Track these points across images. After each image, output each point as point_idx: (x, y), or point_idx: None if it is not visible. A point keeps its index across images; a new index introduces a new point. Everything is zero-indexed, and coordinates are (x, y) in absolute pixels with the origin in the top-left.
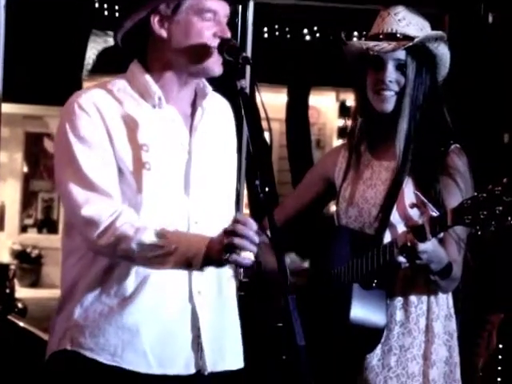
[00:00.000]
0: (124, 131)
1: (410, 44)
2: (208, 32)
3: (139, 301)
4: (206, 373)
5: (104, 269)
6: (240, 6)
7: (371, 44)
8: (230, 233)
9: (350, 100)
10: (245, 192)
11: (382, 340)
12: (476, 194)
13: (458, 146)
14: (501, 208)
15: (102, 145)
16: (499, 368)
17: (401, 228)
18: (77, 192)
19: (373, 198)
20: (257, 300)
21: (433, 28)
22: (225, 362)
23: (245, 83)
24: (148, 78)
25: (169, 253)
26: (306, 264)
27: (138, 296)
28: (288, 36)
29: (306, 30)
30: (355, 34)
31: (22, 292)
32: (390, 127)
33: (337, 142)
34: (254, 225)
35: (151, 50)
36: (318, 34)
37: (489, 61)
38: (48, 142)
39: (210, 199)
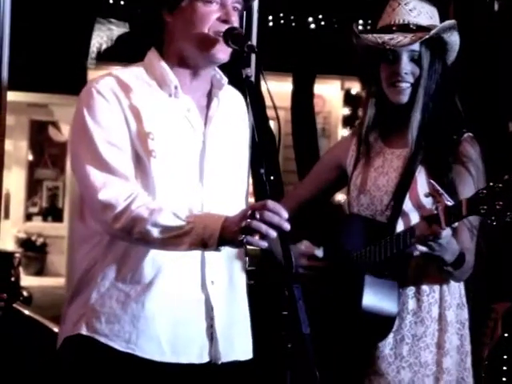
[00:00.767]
0: (139, 118)
1: (427, 37)
2: (212, 16)
3: (155, 289)
4: (220, 362)
5: (120, 255)
6: None
7: (386, 38)
8: (250, 216)
9: (355, 88)
10: (250, 180)
11: (394, 329)
12: (491, 183)
13: (470, 134)
14: None
15: (119, 129)
16: (504, 357)
17: (413, 216)
18: (94, 175)
19: (385, 186)
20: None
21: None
22: (234, 351)
23: (250, 71)
24: (165, 65)
25: (184, 233)
26: (320, 251)
27: (154, 284)
28: (293, 24)
29: (310, 19)
30: (360, 22)
31: (27, 280)
32: (403, 116)
33: (342, 131)
34: (283, 212)
35: (165, 37)
36: (322, 23)
37: (494, 48)
38: (53, 130)
39: (223, 188)
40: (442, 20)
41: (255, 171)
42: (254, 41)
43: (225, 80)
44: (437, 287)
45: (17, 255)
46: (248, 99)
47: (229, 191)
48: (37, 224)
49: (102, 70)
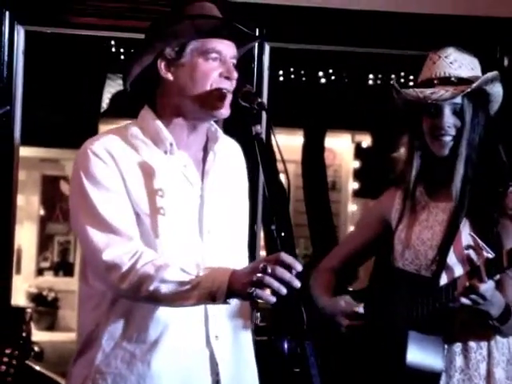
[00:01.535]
0: (138, 177)
1: (469, 90)
2: (214, 73)
3: (161, 348)
4: None
5: (124, 315)
6: (256, 51)
7: (428, 92)
8: (262, 270)
9: (366, 142)
10: (261, 234)
11: None
12: None
13: None
14: None
15: (117, 190)
16: None
17: (458, 270)
18: (96, 236)
19: (429, 240)
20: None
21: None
22: None
23: (260, 129)
24: (159, 123)
25: (192, 287)
26: (360, 308)
27: (160, 343)
28: (303, 79)
29: (321, 73)
30: (370, 76)
31: (38, 335)
32: (447, 169)
33: (352, 184)
34: (297, 265)
35: (160, 95)
36: (333, 77)
37: (505, 103)
38: (64, 185)
39: (222, 243)
40: (485, 69)
41: (266, 227)
42: (265, 95)
43: (220, 132)
44: (484, 343)
45: (28, 310)
46: (258, 156)
47: (228, 244)
48: (48, 279)
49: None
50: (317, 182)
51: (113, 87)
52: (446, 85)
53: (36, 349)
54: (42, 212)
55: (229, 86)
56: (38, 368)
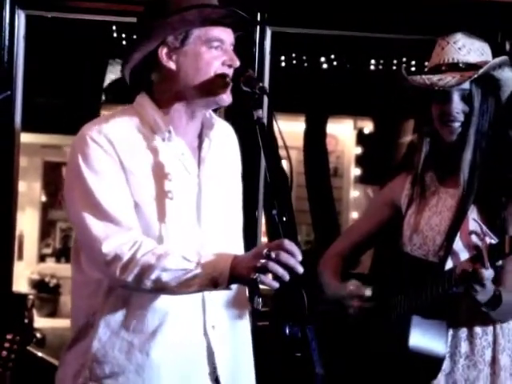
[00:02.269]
0: (137, 163)
1: (475, 76)
2: (217, 61)
3: (159, 338)
4: None
5: (121, 303)
6: (257, 36)
7: (435, 79)
8: (266, 256)
9: (368, 128)
10: (263, 220)
11: (447, 372)
12: None
13: None
14: None
15: (116, 176)
16: None
17: (463, 256)
18: (95, 226)
19: (438, 226)
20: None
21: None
22: None
23: (261, 113)
24: (157, 111)
25: (194, 275)
26: (368, 291)
27: (159, 333)
28: (305, 64)
29: (323, 59)
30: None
31: (40, 322)
32: (457, 155)
33: (355, 170)
34: (298, 254)
35: (159, 83)
36: (335, 63)
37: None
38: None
39: (220, 229)
40: (495, 54)
41: (268, 212)
42: (266, 81)
43: (214, 118)
44: (490, 330)
45: (30, 297)
46: (260, 141)
47: (226, 231)
48: (50, 265)
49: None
50: (318, 168)
51: (113, 73)
52: (454, 71)
53: (38, 335)
54: (43, 198)
55: (231, 73)
56: (39, 354)
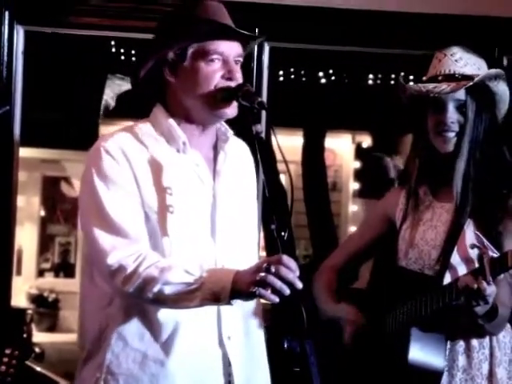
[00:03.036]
0: (149, 175)
1: (470, 84)
2: (215, 75)
3: (173, 348)
4: None
5: (135, 314)
6: (255, 50)
7: (430, 86)
8: (266, 270)
9: (366, 142)
10: (261, 234)
11: None
12: None
13: None
14: None
15: (128, 189)
16: None
17: (461, 269)
18: (104, 238)
19: (433, 240)
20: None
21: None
22: None
23: (260, 128)
24: (172, 122)
25: (196, 289)
26: (362, 318)
27: (173, 343)
28: (303, 79)
29: (321, 73)
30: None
31: (39, 336)
32: (450, 167)
33: (353, 184)
34: (297, 269)
35: (169, 95)
36: (333, 77)
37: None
38: (65, 186)
39: (235, 242)
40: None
41: (266, 227)
42: (264, 95)
43: (230, 132)
44: (487, 343)
45: (29, 312)
46: (258, 155)
47: (240, 245)
48: (49, 280)
49: (114, 125)
50: (317, 183)
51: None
52: (450, 81)
53: (37, 350)
54: (42, 213)
55: (233, 85)
56: (38, 369)
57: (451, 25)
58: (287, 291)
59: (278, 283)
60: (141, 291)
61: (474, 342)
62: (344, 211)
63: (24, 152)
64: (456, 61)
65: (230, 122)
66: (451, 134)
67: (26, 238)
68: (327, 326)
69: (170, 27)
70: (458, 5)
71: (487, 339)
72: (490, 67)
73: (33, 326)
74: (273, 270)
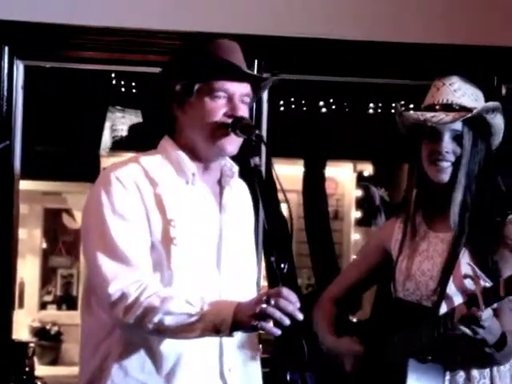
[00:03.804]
0: (160, 205)
1: (469, 115)
2: (219, 111)
3: (175, 380)
4: None
5: (136, 345)
6: None
7: (429, 115)
8: (266, 302)
9: (368, 170)
10: (263, 265)
11: None
12: None
13: None
14: None
15: (137, 219)
16: None
17: (457, 299)
18: (107, 265)
19: (430, 271)
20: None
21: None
22: None
23: (258, 160)
24: (181, 153)
25: (197, 320)
26: (361, 348)
27: (174, 375)
28: (304, 108)
29: (321, 103)
30: (371, 105)
31: (41, 370)
32: (446, 198)
33: (355, 213)
34: (297, 301)
35: (176, 129)
36: (333, 106)
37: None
38: (67, 218)
39: (239, 276)
40: (491, 99)
41: (267, 258)
42: (264, 126)
43: (236, 168)
44: (487, 373)
45: (31, 345)
46: (257, 188)
47: (243, 278)
48: (51, 312)
49: (115, 157)
50: (318, 212)
51: (114, 120)
52: (448, 111)
53: (39, 383)
54: (44, 245)
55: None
56: None
57: (451, 54)
58: (287, 322)
59: (278, 314)
60: (141, 321)
61: (475, 372)
62: (346, 240)
63: (25, 185)
64: (454, 91)
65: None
66: (446, 164)
67: (28, 270)
68: (327, 358)
69: (179, 61)
70: (458, 35)
71: (488, 369)
72: (488, 96)
73: (35, 360)
74: (272, 302)
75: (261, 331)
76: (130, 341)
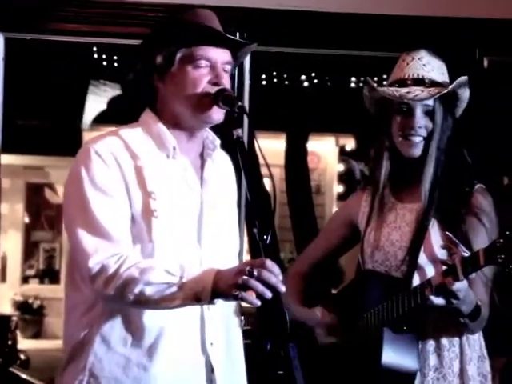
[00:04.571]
0: (140, 178)
1: (445, 91)
2: (203, 80)
3: (157, 353)
4: None
5: (118, 318)
6: None
7: (403, 91)
8: (249, 273)
9: (350, 145)
10: (245, 238)
11: None
12: (508, 232)
13: (482, 185)
14: None
15: (117, 193)
16: None
17: (429, 270)
18: (87, 240)
19: (398, 241)
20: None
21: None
22: None
23: (241, 132)
24: (162, 126)
25: (177, 289)
26: (334, 317)
27: (156, 348)
28: (286, 82)
29: (303, 77)
30: (353, 79)
31: (24, 343)
32: (416, 171)
33: (337, 187)
34: (280, 273)
35: (158, 101)
36: (315, 80)
37: (484, 105)
38: (49, 192)
39: (220, 248)
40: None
41: (249, 230)
42: (246, 99)
43: (217, 141)
44: (457, 341)
45: (13, 318)
46: (239, 159)
47: (225, 251)
48: (34, 286)
49: (97, 131)
50: (300, 186)
51: (96, 94)
52: (420, 85)
53: (22, 357)
54: (26, 219)
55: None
56: (24, 376)
57: (432, 26)
58: (269, 295)
59: (260, 287)
60: (122, 292)
61: (444, 341)
62: (328, 214)
63: (6, 159)
64: (424, 65)
65: (211, 127)
66: (418, 139)
67: (11, 244)
68: (297, 330)
69: (159, 32)
70: (439, 6)
71: (457, 337)
72: (470, 68)
73: (18, 333)
74: (255, 273)
75: (242, 302)
76: (112, 314)
